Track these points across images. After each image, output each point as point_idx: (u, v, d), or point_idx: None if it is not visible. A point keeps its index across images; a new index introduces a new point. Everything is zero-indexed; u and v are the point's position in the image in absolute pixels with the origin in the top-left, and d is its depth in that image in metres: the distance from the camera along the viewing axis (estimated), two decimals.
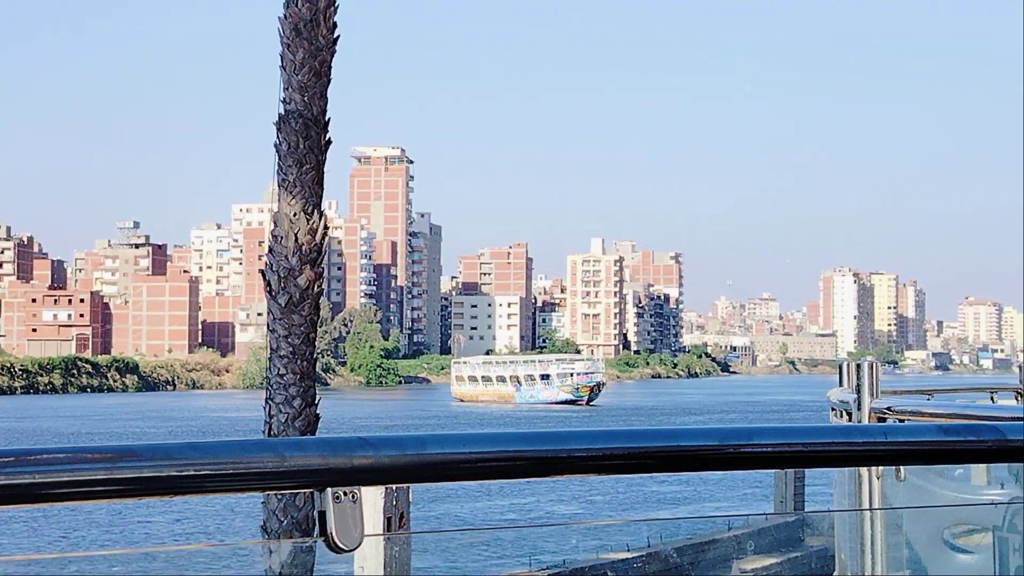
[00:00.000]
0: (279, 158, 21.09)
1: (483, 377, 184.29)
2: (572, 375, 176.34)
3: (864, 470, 6.78)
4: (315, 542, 2.50)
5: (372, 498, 20.11)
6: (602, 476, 2.84)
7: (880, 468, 6.65)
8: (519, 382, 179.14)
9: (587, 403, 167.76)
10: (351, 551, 2.50)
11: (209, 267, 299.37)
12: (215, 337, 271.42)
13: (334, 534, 2.48)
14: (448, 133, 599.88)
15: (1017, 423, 3.26)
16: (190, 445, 2.38)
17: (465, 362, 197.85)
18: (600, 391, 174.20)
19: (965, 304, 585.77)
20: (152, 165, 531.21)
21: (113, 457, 2.30)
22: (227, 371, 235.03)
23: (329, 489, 2.48)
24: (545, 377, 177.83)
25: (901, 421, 6.96)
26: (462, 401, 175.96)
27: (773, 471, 31.93)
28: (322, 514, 2.49)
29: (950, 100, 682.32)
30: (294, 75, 20.97)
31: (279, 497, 20.76)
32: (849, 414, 7.42)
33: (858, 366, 7.36)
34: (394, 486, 19.30)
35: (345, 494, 2.50)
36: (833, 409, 8.32)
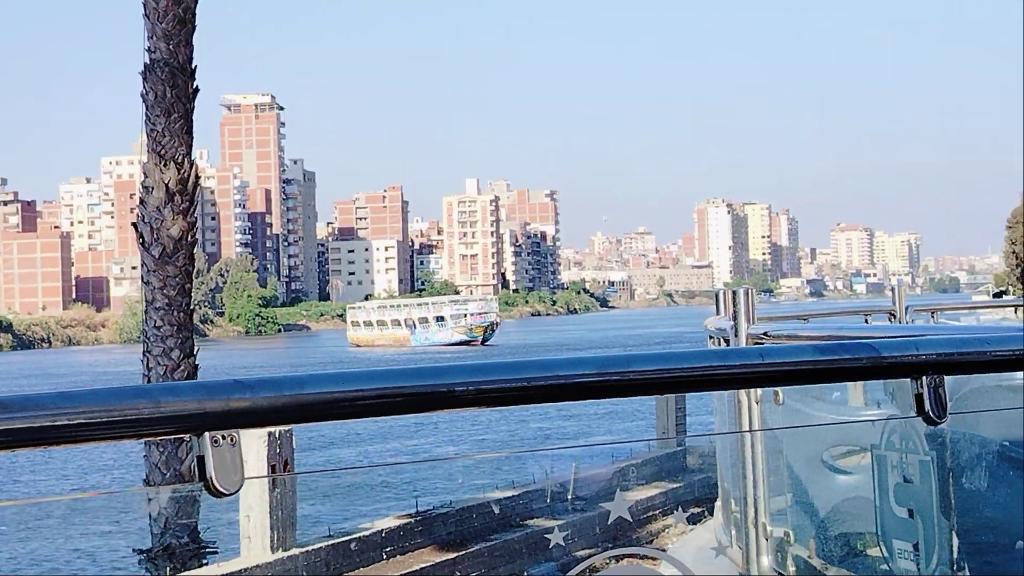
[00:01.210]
0: (146, 108, 20.84)
1: (378, 322, 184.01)
2: (466, 316, 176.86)
3: (743, 396, 6.83)
4: (196, 487, 2.45)
5: (256, 446, 20.06)
6: (483, 409, 2.82)
7: (759, 393, 6.71)
8: (414, 325, 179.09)
9: (482, 343, 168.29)
10: (232, 495, 2.47)
11: (80, 222, 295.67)
12: (89, 292, 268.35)
13: (214, 478, 2.44)
14: (319, 79, 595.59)
15: (891, 340, 3.29)
16: (61, 394, 2.33)
17: (361, 307, 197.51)
18: (495, 331, 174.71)
19: (837, 230, 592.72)
20: (17, 120, 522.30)
21: None
22: (103, 326, 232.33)
23: (207, 433, 2.44)
24: (440, 319, 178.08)
25: None
26: (358, 346, 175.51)
27: (655, 402, 32.23)
28: (200, 459, 2.45)
29: (807, 20, 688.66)
30: (158, 23, 20.69)
31: (160, 449, 20.62)
32: (727, 341, 7.47)
33: (734, 293, 7.40)
34: (276, 432, 19.26)
35: (224, 438, 2.46)
36: (711, 337, 8.36)
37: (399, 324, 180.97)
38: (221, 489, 2.45)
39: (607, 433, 51.92)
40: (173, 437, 2.55)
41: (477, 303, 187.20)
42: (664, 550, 3.82)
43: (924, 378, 3.17)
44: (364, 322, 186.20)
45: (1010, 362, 3.46)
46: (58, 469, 46.53)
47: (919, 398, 3.19)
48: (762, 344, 7.09)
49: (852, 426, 7.52)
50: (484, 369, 2.77)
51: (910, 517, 6.10)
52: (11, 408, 2.28)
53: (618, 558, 3.54)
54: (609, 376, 2.86)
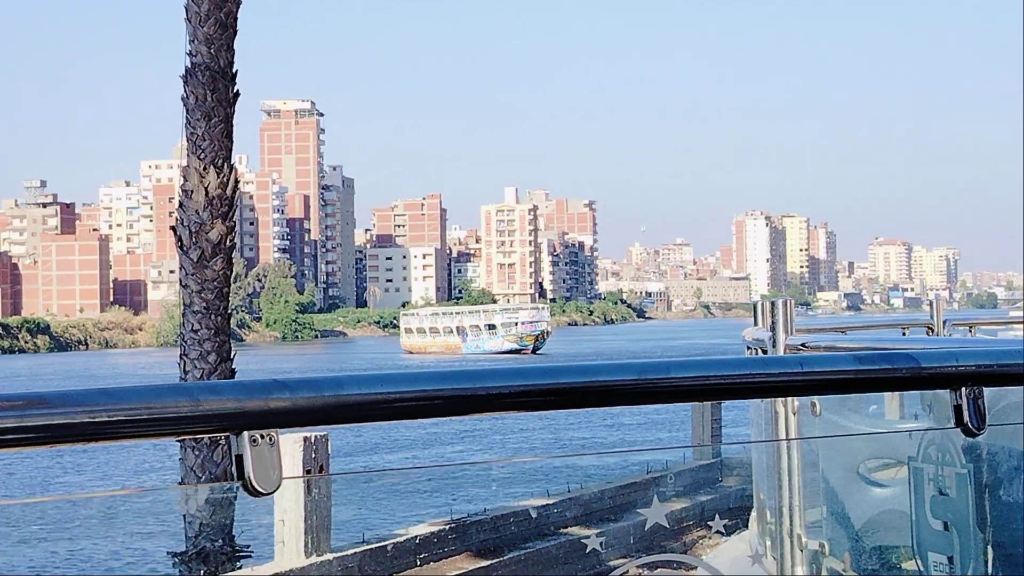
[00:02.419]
0: (187, 112, 20.93)
1: (431, 328, 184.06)
2: (517, 324, 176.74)
3: (780, 407, 6.82)
4: (233, 487, 2.46)
5: (291, 451, 20.08)
6: (521, 413, 2.83)
7: (796, 404, 6.70)
8: (466, 333, 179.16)
9: (533, 352, 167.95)
10: (269, 494, 2.47)
11: (119, 225, 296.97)
12: (127, 295, 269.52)
13: (252, 478, 2.45)
14: (358, 85, 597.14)
15: (930, 351, 3.28)
16: (102, 391, 2.34)
17: (415, 314, 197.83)
18: (546, 340, 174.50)
19: (875, 244, 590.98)
20: (59, 123, 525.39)
21: (23, 404, 2.25)
22: (140, 329, 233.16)
23: (246, 433, 2.45)
24: (491, 327, 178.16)
25: None
26: (411, 353, 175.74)
27: (691, 412, 32.18)
28: (239, 458, 2.45)
29: (850, 33, 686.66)
30: (200, 27, 20.77)
31: (196, 453, 20.68)
32: (764, 352, 7.45)
33: (772, 304, 7.38)
34: (312, 437, 19.27)
35: (262, 437, 2.46)
36: (749, 348, 8.35)
37: (451, 331, 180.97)
38: (259, 488, 2.45)
39: (643, 444, 51.88)
40: (211, 436, 2.56)
41: (529, 311, 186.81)
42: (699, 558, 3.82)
43: (963, 389, 3.16)
44: (417, 329, 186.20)
45: None
46: (99, 468, 46.70)
47: (958, 409, 3.18)
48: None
49: (889, 439, 7.50)
50: (523, 373, 2.77)
51: (945, 530, 6.08)
52: (51, 403, 2.29)
53: (653, 566, 3.54)
54: (648, 382, 2.86)
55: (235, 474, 2.47)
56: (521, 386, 2.75)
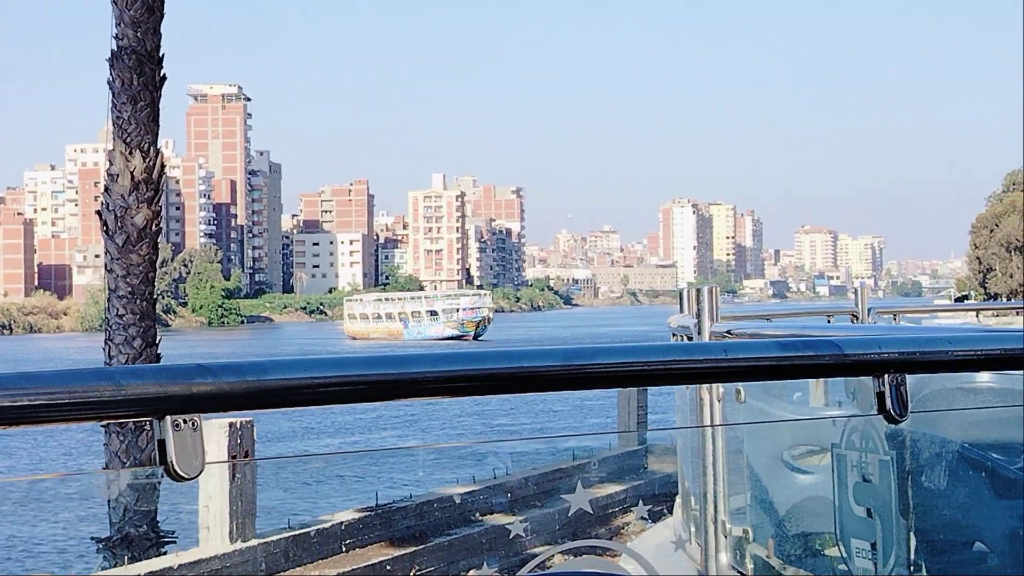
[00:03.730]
0: (113, 95, 20.76)
1: (374, 315, 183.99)
2: (458, 310, 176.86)
3: (705, 394, 6.85)
4: (156, 471, 2.44)
5: (216, 436, 19.98)
6: (446, 398, 2.82)
7: (720, 391, 6.73)
8: (407, 319, 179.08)
9: (474, 338, 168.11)
10: (192, 479, 2.46)
11: (44, 209, 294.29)
12: (52, 280, 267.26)
13: (174, 462, 2.43)
14: (286, 70, 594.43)
15: (854, 338, 3.30)
16: (23, 375, 2.32)
17: (358, 299, 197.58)
18: (487, 326, 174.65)
19: (801, 232, 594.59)
20: None
21: None
22: (65, 314, 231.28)
23: (168, 417, 2.43)
24: (433, 313, 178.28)
25: None
26: (354, 339, 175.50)
27: (616, 398, 32.28)
28: (161, 443, 2.43)
29: (775, 21, 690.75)
30: (126, 10, 20.60)
31: (120, 438, 20.55)
32: (690, 339, 7.49)
33: (698, 291, 7.42)
34: (237, 423, 19.19)
35: (185, 422, 2.45)
36: (674, 335, 8.38)
37: (393, 318, 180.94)
38: (182, 473, 2.44)
39: (572, 429, 51.99)
40: (135, 421, 2.54)
41: (470, 298, 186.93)
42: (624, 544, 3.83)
43: (886, 376, 3.18)
44: (360, 315, 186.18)
45: (972, 362, 3.47)
46: (31, 452, 46.34)
47: (880, 396, 3.20)
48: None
49: (813, 426, 7.55)
50: (448, 358, 2.76)
51: (869, 516, 6.13)
52: None
53: (577, 552, 3.55)
54: (574, 368, 2.86)
55: (157, 459, 2.45)
56: (446, 371, 2.75)
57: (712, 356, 3.12)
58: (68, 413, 2.37)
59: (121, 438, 20.34)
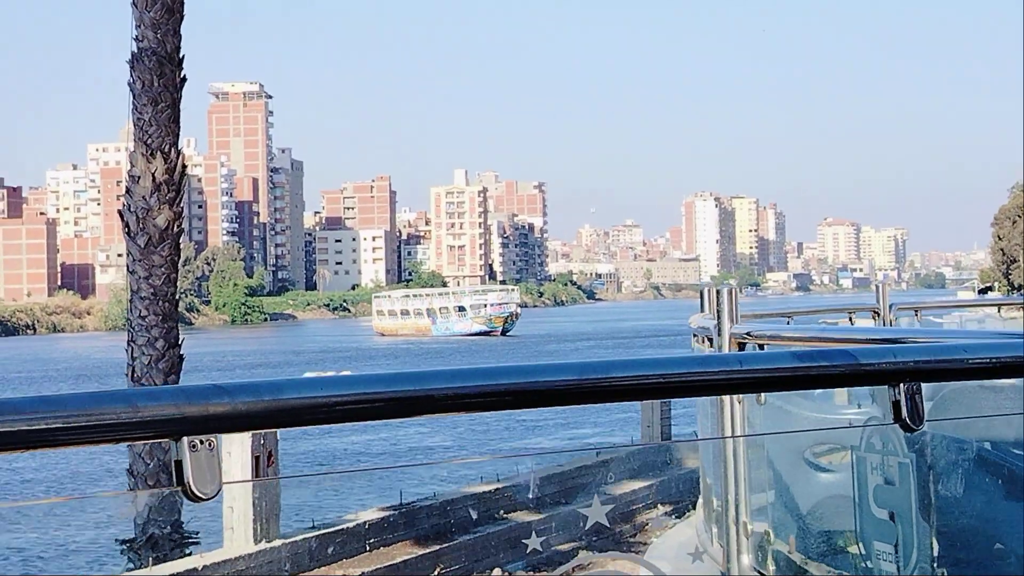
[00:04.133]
0: (133, 97, 20.80)
1: (402, 311, 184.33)
2: (486, 306, 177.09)
3: (725, 396, 6.85)
4: (173, 492, 2.46)
5: (240, 437, 20.04)
6: (462, 414, 2.84)
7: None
8: (435, 315, 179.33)
9: (502, 334, 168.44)
10: (209, 499, 2.48)
11: (67, 208, 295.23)
12: (75, 279, 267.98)
13: (191, 483, 2.45)
14: (307, 67, 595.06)
15: (869, 347, 3.31)
16: (41, 399, 2.34)
17: (387, 296, 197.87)
18: (515, 322, 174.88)
19: (824, 225, 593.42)
20: (3, 106, 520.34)
21: None
22: (88, 314, 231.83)
23: (185, 438, 2.45)
24: (461, 309, 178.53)
25: (761, 346, 7.04)
26: (383, 335, 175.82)
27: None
28: (178, 463, 2.45)
29: (798, 15, 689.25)
30: (146, 12, 20.65)
31: (137, 443, 20.60)
32: (710, 340, 7.50)
33: (718, 292, 7.42)
34: None
35: (202, 443, 2.47)
36: (695, 335, 8.40)
37: (421, 314, 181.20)
38: (198, 494, 2.45)
39: (592, 425, 51.93)
40: (151, 442, 2.56)
41: (498, 293, 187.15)
42: (645, 546, 3.84)
43: (901, 385, 3.19)
44: (388, 311, 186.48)
45: (987, 370, 3.47)
46: (42, 456, 46.39)
47: (896, 405, 3.20)
48: (744, 344, 7.12)
49: (833, 424, 7.56)
50: (464, 375, 2.78)
51: (890, 519, 6.13)
52: None
53: (601, 557, 3.56)
54: (589, 381, 2.87)
55: (175, 479, 2.47)
56: (461, 388, 2.76)
57: (728, 367, 3.13)
58: (86, 436, 2.38)
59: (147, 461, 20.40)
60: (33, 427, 2.31)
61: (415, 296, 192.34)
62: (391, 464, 49.98)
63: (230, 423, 2.53)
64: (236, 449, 19.16)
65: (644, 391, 3.06)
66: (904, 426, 3.19)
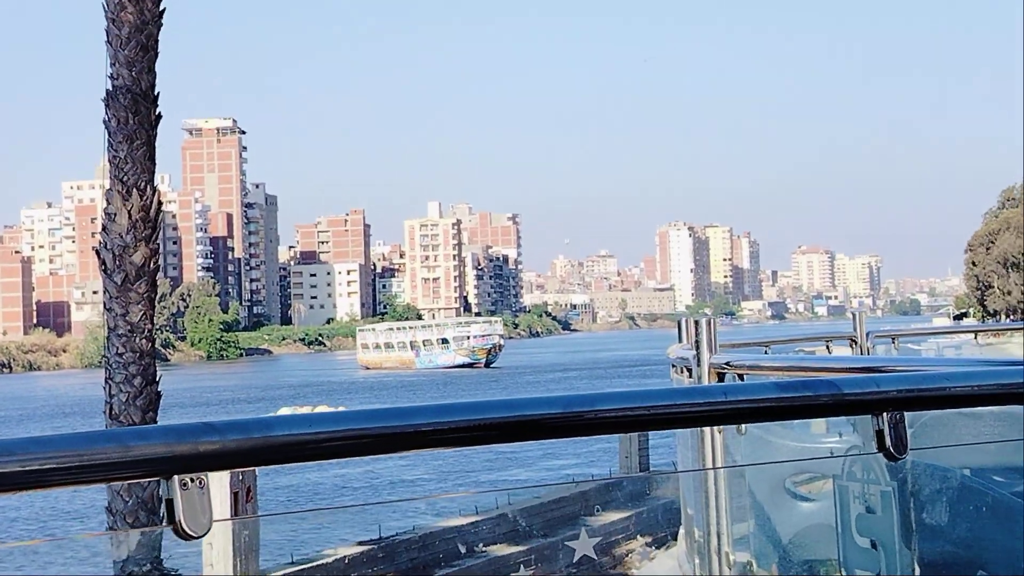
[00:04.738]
0: (109, 135, 20.76)
1: (386, 344, 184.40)
2: (469, 338, 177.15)
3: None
4: (164, 530, 2.48)
5: (217, 475, 19.98)
6: (448, 449, 2.86)
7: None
8: (419, 348, 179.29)
9: (485, 365, 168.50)
10: (200, 537, 2.49)
11: (41, 246, 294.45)
12: (50, 317, 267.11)
13: (182, 521, 2.47)
14: (280, 102, 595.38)
15: (851, 377, 3.34)
16: (31, 440, 2.35)
17: (371, 329, 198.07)
18: (498, 353, 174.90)
19: (798, 253, 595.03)
20: None
21: None
22: (64, 351, 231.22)
23: (176, 476, 2.47)
24: (444, 341, 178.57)
25: (741, 376, 7.06)
26: (367, 368, 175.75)
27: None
28: (169, 502, 2.47)
29: (769, 43, 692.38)
30: (121, 50, 20.63)
31: (126, 499, 20.50)
32: (689, 370, 7.51)
33: (696, 322, 7.44)
34: None
35: (192, 481, 2.48)
36: (674, 366, 8.41)
37: (405, 346, 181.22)
38: (190, 532, 2.47)
39: (570, 456, 51.87)
40: (143, 481, 2.58)
41: (481, 325, 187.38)
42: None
43: (885, 415, 3.21)
44: (373, 344, 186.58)
45: (970, 398, 3.51)
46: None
47: (880, 434, 3.23)
48: (724, 375, 7.14)
49: (814, 453, 7.58)
50: (450, 410, 2.80)
51: (873, 547, 6.15)
52: None
53: None
54: (575, 415, 2.90)
55: (165, 518, 2.48)
56: (448, 423, 2.78)
57: (712, 399, 3.16)
58: (77, 476, 2.40)
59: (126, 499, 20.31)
60: (26, 468, 2.32)
61: (399, 329, 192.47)
62: (371, 501, 49.88)
63: (220, 461, 2.55)
64: (214, 485, 19.07)
65: (630, 423, 3.08)
66: (888, 455, 3.21)
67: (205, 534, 2.50)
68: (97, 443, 2.42)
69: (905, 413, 3.26)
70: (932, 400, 3.49)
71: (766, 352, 9.41)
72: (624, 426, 3.12)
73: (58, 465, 2.36)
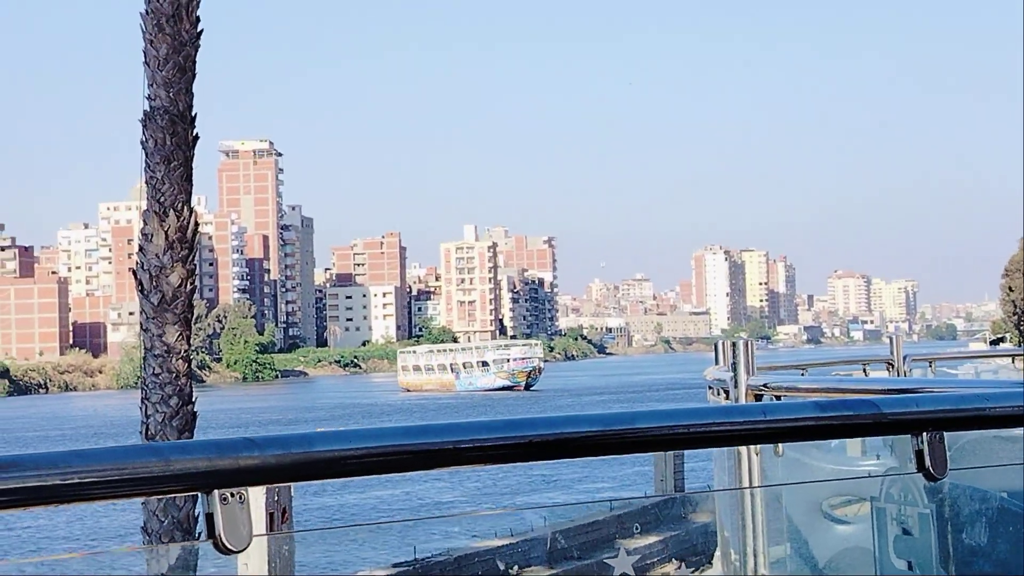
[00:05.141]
0: (146, 156, 20.86)
1: (426, 366, 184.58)
2: (509, 361, 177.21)
3: (743, 448, 6.86)
4: (203, 544, 2.49)
5: (253, 494, 20.01)
6: (487, 466, 2.87)
7: (758, 445, 6.74)
8: (459, 370, 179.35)
9: (526, 388, 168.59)
10: (240, 552, 2.50)
11: (78, 267, 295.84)
12: (87, 338, 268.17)
13: (222, 535, 2.48)
14: (317, 124, 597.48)
15: (891, 397, 3.33)
16: (74, 453, 2.36)
17: (412, 351, 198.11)
18: (538, 376, 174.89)
19: (834, 277, 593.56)
20: (15, 165, 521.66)
21: None
22: (100, 372, 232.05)
23: (216, 491, 2.48)
24: (484, 364, 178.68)
25: (778, 398, 7.04)
26: (408, 391, 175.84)
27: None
28: (210, 516, 2.48)
29: (807, 66, 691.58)
30: (158, 71, 20.74)
31: (159, 498, 20.60)
32: (726, 392, 7.50)
33: (734, 344, 7.43)
34: None
35: (232, 495, 2.49)
36: (711, 388, 8.40)
37: (445, 369, 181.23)
38: (230, 546, 2.48)
39: (606, 480, 51.86)
40: (183, 496, 2.59)
41: (521, 348, 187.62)
42: None
43: (925, 434, 3.20)
44: (413, 367, 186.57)
45: (1010, 418, 3.49)
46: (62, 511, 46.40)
47: (919, 454, 3.22)
48: (761, 396, 7.12)
49: (851, 475, 7.55)
50: (489, 427, 2.80)
51: (909, 569, 6.12)
52: (24, 467, 2.31)
53: None
54: (615, 432, 2.90)
55: (206, 533, 2.49)
56: (487, 439, 2.79)
57: (752, 418, 3.15)
58: (118, 490, 2.41)
59: (159, 497, 20.37)
60: (67, 481, 2.33)
61: (439, 351, 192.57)
62: (407, 518, 49.89)
63: (260, 476, 2.56)
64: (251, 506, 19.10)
65: (669, 442, 3.08)
66: (928, 475, 3.20)
67: (244, 548, 2.51)
68: (139, 457, 2.43)
69: (944, 434, 3.25)
70: (972, 420, 3.48)
71: (802, 375, 9.38)
72: (663, 444, 3.12)
73: (99, 479, 2.38)
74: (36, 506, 2.34)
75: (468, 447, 2.76)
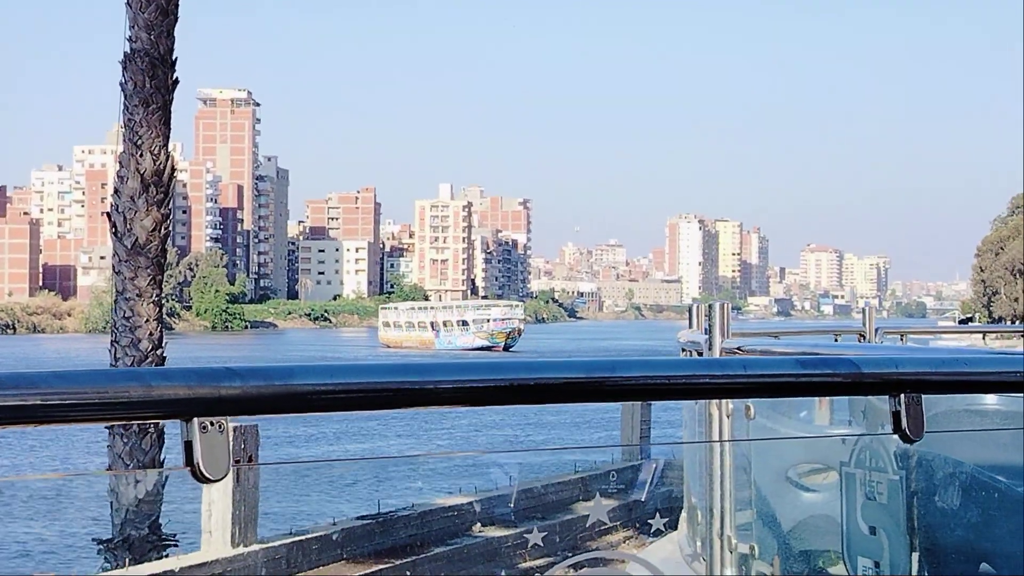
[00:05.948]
0: (125, 97, 20.80)
1: (407, 323, 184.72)
2: (488, 321, 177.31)
3: (714, 409, 6.85)
4: (181, 472, 2.47)
5: (233, 426, 19.97)
6: (466, 407, 2.85)
7: (730, 407, 6.74)
8: (439, 328, 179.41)
9: (504, 349, 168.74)
10: (218, 481, 2.48)
11: (50, 209, 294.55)
12: (56, 280, 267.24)
13: (200, 464, 2.46)
14: (296, 76, 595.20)
15: (871, 357, 3.32)
16: (55, 374, 2.34)
17: (393, 307, 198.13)
18: (518, 337, 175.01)
19: (807, 251, 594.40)
20: None
21: None
22: (69, 315, 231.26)
23: (196, 419, 2.46)
24: (463, 323, 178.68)
25: None
26: (388, 347, 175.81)
27: (620, 412, 32.27)
28: (188, 444, 2.46)
29: (785, 40, 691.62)
30: (140, 13, 20.65)
31: (124, 440, 20.55)
32: (700, 354, 7.49)
33: (710, 307, 7.43)
34: (241, 427, 19.21)
35: (212, 424, 2.47)
36: (684, 350, 8.39)
37: (425, 327, 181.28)
38: (208, 475, 2.46)
39: (573, 441, 51.97)
40: (141, 424, 2.58)
41: (502, 309, 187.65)
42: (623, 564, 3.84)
43: (903, 395, 3.19)
44: (394, 323, 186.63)
45: (988, 383, 3.49)
46: (24, 452, 46.32)
47: (896, 415, 3.21)
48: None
49: (819, 444, 7.57)
50: (470, 368, 2.78)
51: (877, 537, 6.14)
52: (4, 385, 2.29)
53: (582, 564, 3.56)
54: (596, 380, 2.88)
55: (184, 460, 2.47)
56: (467, 381, 2.77)
57: (732, 372, 3.14)
58: (98, 413, 2.39)
59: (125, 440, 20.33)
60: (48, 402, 2.31)
61: (420, 309, 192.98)
62: (372, 455, 49.91)
63: (241, 405, 2.54)
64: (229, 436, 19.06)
65: (649, 391, 3.07)
66: (904, 437, 3.19)
67: (222, 478, 2.49)
68: (119, 381, 2.41)
69: (922, 397, 3.24)
70: (951, 383, 3.47)
71: (777, 339, 9.39)
72: (643, 393, 3.12)
73: (79, 401, 2.35)
74: (15, 425, 2.32)
75: (450, 387, 2.75)
